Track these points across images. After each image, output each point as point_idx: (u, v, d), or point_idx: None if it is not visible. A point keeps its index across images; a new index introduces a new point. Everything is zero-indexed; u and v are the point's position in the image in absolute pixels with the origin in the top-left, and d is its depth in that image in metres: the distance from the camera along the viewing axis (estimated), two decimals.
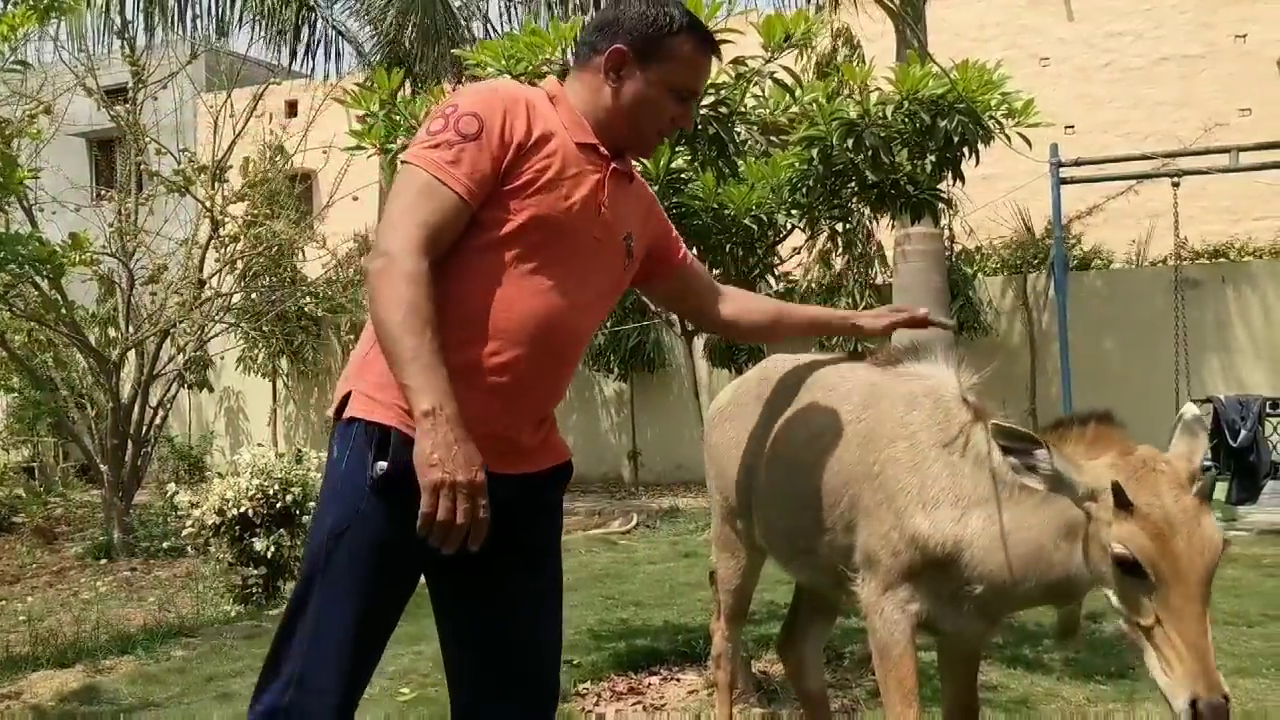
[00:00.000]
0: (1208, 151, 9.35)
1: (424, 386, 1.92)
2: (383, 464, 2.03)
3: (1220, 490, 8.47)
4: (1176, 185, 8.97)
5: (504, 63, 3.84)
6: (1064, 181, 9.04)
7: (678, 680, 4.70)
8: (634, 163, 2.41)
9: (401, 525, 1.96)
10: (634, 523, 9.95)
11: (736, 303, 2.68)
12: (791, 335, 2.70)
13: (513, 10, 11.01)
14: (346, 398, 2.14)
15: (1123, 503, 2.18)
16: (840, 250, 11.82)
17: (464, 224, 2.08)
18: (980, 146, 4.25)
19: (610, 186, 2.21)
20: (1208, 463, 8.57)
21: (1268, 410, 8.46)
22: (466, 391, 2.01)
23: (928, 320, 2.84)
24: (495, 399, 2.10)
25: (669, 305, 2.70)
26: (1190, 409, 2.43)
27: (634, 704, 4.44)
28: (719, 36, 3.79)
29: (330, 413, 2.17)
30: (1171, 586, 2.13)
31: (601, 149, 2.21)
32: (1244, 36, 13.34)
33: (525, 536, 2.24)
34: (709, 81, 3.88)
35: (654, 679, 4.75)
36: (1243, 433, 8.18)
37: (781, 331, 2.72)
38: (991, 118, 4.14)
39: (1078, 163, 9.27)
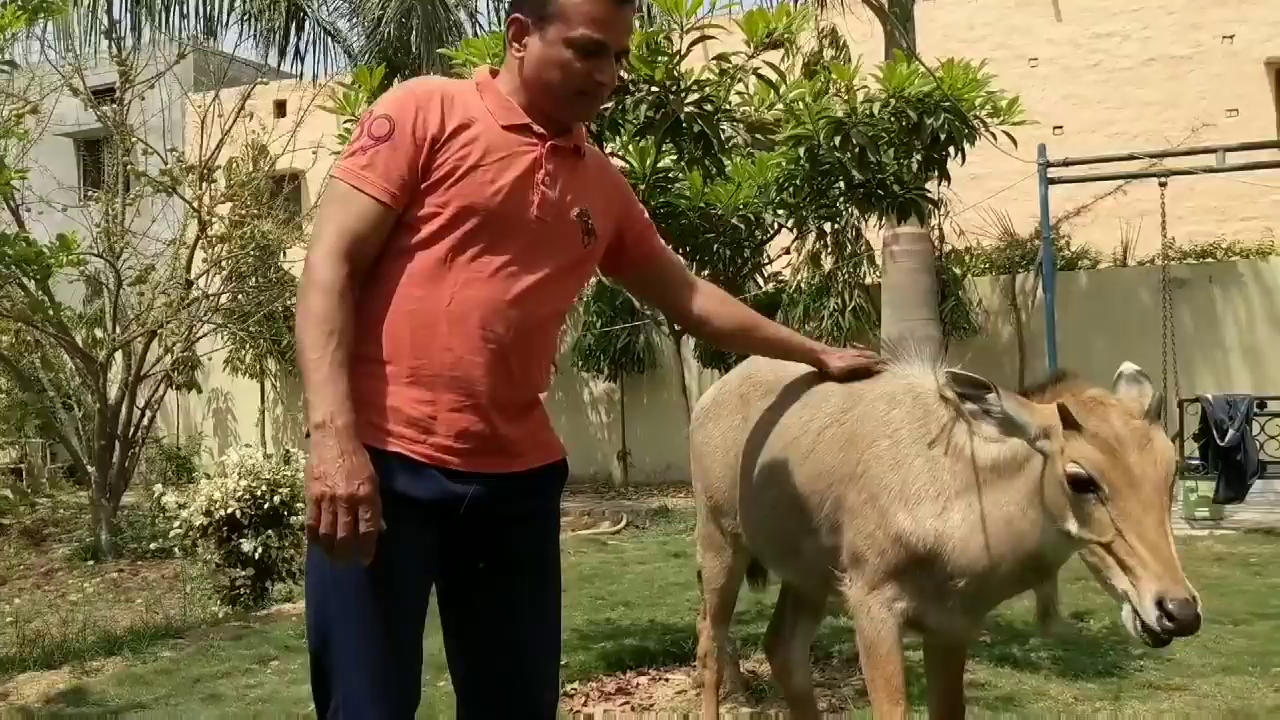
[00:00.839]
0: (1195, 152, 9.38)
1: (318, 399, 1.93)
2: None
3: (1207, 489, 8.51)
4: (1164, 186, 9.00)
5: (490, 61, 3.83)
6: (1052, 182, 9.06)
7: (666, 680, 4.70)
8: (614, 149, 2.39)
9: (387, 538, 1.95)
10: (623, 523, 9.95)
11: (710, 303, 2.59)
12: (757, 351, 2.66)
13: (500, 6, 10.98)
14: None
15: (1071, 424, 2.22)
16: (829, 250, 11.84)
17: (387, 226, 2.07)
18: (967, 146, 4.26)
19: (551, 163, 2.15)
20: (1194, 461, 8.61)
21: (1255, 410, 8.49)
22: (420, 390, 2.04)
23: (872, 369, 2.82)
24: (452, 393, 2.07)
25: (642, 295, 2.64)
26: (1128, 366, 2.48)
27: (622, 704, 4.44)
28: (702, 33, 3.82)
29: (306, 434, 2.14)
30: (1127, 496, 2.16)
31: (535, 127, 2.15)
32: (1231, 38, 13.38)
33: (516, 544, 2.21)
34: (695, 78, 3.89)
35: (642, 679, 4.75)
36: (1230, 432, 8.21)
37: (749, 343, 2.68)
38: (977, 117, 4.15)
39: (1065, 163, 9.30)
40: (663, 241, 2.57)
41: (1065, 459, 2.23)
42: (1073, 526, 2.26)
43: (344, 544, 1.90)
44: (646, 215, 2.53)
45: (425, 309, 2.05)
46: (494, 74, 2.23)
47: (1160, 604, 2.07)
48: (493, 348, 2.08)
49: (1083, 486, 2.21)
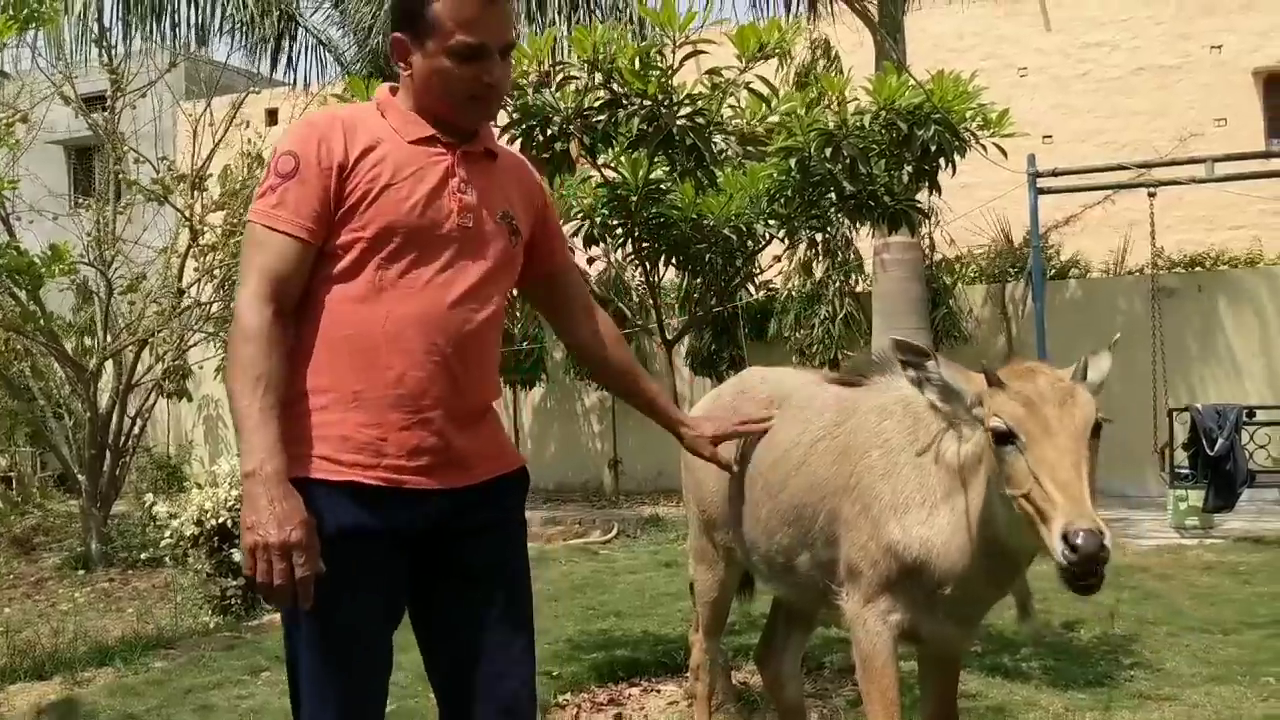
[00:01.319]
0: (1183, 162, 9.43)
1: (248, 447, 1.96)
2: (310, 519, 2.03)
3: (1197, 498, 8.53)
4: (1153, 195, 9.04)
5: None
6: (1042, 191, 9.11)
7: (658, 691, 4.71)
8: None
9: (344, 566, 2.01)
10: (614, 532, 9.95)
11: (604, 338, 2.55)
12: (628, 399, 2.65)
13: None
14: None
15: (995, 382, 2.32)
16: (820, 258, 11.86)
17: (308, 261, 2.08)
18: (957, 157, 4.28)
19: (464, 170, 2.17)
20: (1183, 470, 8.63)
21: (1244, 419, 8.53)
22: (367, 414, 2.06)
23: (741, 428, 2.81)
24: (399, 412, 2.08)
25: (540, 310, 2.62)
26: (1115, 340, 2.70)
27: (614, 715, 4.44)
28: (695, 48, 3.83)
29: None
30: (1042, 443, 2.22)
31: (442, 137, 2.17)
32: (1219, 48, 13.45)
33: (480, 555, 2.21)
34: (687, 92, 3.90)
35: (634, 690, 4.75)
36: (1220, 441, 8.23)
37: (624, 390, 2.64)
38: (967, 129, 4.17)
39: (1055, 173, 9.35)
40: (573, 260, 2.55)
41: (988, 417, 2.33)
42: (1005, 487, 2.31)
43: (280, 590, 1.93)
44: (561, 229, 2.52)
45: (362, 332, 2.07)
46: (394, 91, 2.24)
47: (1065, 538, 2.10)
48: (435, 360, 2.09)
49: (1003, 439, 2.28)
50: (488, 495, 2.21)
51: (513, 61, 2.25)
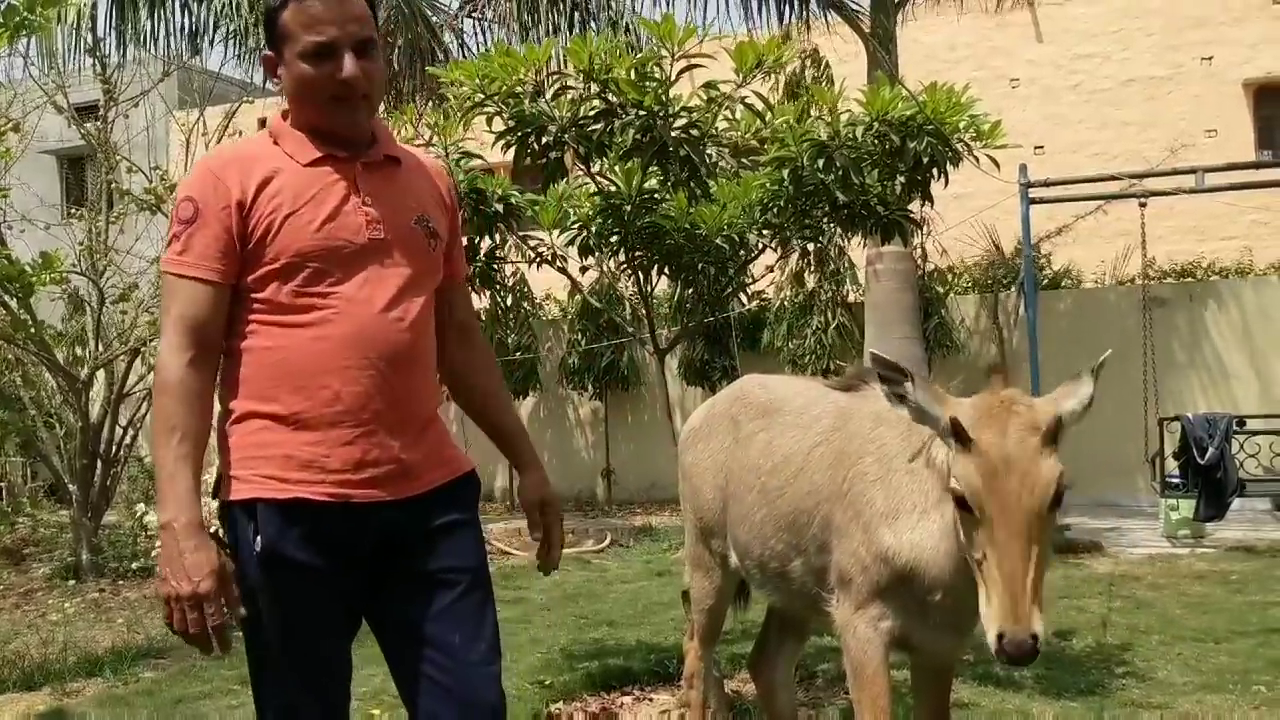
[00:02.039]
0: (1174, 172, 9.46)
1: (162, 499, 2.01)
2: (260, 538, 2.07)
3: (1188, 507, 8.55)
4: (1143, 205, 9.07)
5: (477, 82, 3.86)
6: (1033, 201, 9.13)
7: (650, 700, 4.70)
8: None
9: (298, 585, 2.07)
10: (607, 541, 9.93)
11: (473, 363, 2.46)
12: (479, 425, 2.50)
13: (488, 30, 11.02)
14: (221, 480, 2.18)
15: (961, 438, 2.25)
16: (813, 269, 11.88)
17: (222, 300, 2.11)
18: (949, 167, 4.30)
19: (367, 181, 2.18)
20: (1174, 479, 8.66)
21: (1235, 428, 8.56)
22: (309, 433, 2.08)
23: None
24: (339, 428, 2.10)
25: None
26: (1101, 359, 2.53)
27: None
28: (692, 62, 3.85)
29: (211, 495, 2.21)
30: (996, 523, 2.19)
31: (337, 154, 2.18)
32: (1210, 59, 13.52)
33: (428, 562, 2.20)
34: (683, 104, 3.92)
35: (626, 699, 4.75)
36: (1210, 450, 8.27)
37: (479, 417, 2.50)
38: (960, 140, 4.19)
39: (1046, 183, 9.37)
40: (465, 282, 2.50)
41: (953, 471, 2.29)
42: (961, 536, 2.32)
43: (196, 639, 2.00)
44: (462, 246, 2.48)
45: (294, 356, 2.09)
46: (286, 116, 2.24)
47: (1000, 638, 2.16)
48: (369, 374, 2.10)
49: (962, 504, 2.27)
50: (438, 502, 2.22)
51: (380, 57, 2.20)
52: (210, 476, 2.32)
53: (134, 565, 8.63)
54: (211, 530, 2.12)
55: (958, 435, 2.25)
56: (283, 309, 2.11)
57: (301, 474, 2.08)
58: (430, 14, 11.17)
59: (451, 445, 2.31)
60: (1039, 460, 2.20)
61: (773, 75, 4.46)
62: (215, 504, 2.21)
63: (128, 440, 9.73)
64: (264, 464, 2.09)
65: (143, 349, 9.54)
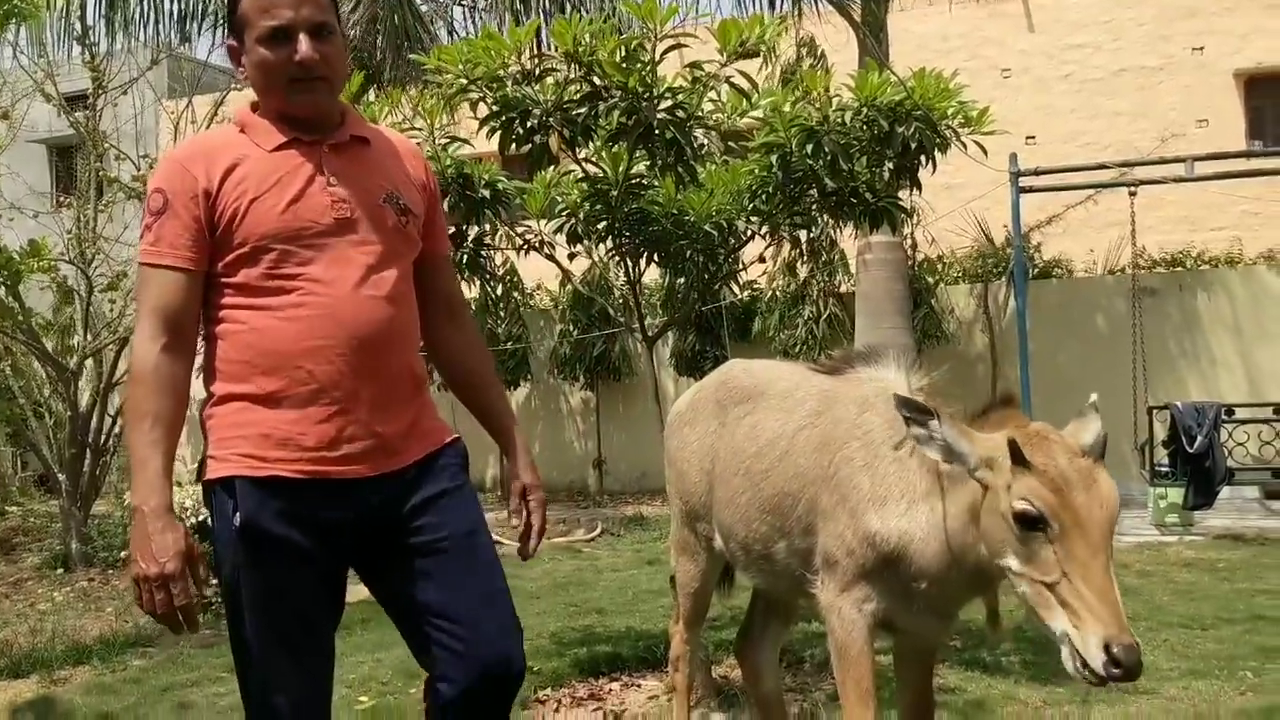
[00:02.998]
0: (1165, 161, 9.48)
1: (135, 483, 2.08)
2: (239, 514, 2.11)
3: (1177, 495, 8.58)
4: (1134, 195, 9.08)
5: (462, 67, 3.84)
6: (1024, 190, 9.14)
7: (638, 686, 4.71)
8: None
9: (278, 560, 2.11)
10: (598, 531, 9.94)
11: (456, 341, 2.47)
12: (468, 407, 2.49)
13: (475, 16, 10.98)
14: (203, 462, 2.23)
15: (1020, 460, 2.23)
16: (805, 258, 11.89)
17: (195, 286, 2.16)
18: (940, 155, 4.29)
19: (334, 162, 2.22)
20: (1163, 467, 8.68)
21: (1223, 417, 8.58)
22: (285, 411, 2.12)
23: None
24: (315, 406, 2.13)
25: None
26: (1092, 400, 2.51)
27: (594, 710, 4.44)
28: (676, 41, 3.83)
29: (195, 479, 2.27)
30: (1074, 538, 2.17)
31: (303, 138, 2.22)
32: (1201, 49, 13.52)
33: (426, 533, 2.22)
34: (668, 86, 3.90)
35: (615, 684, 4.76)
36: (1199, 439, 8.28)
37: (463, 397, 2.49)
38: (948, 126, 4.18)
39: (1037, 172, 9.38)
40: (448, 255, 2.52)
41: (1013, 495, 2.23)
42: (1014, 563, 2.27)
43: (165, 618, 2.04)
44: (443, 219, 2.50)
45: (267, 337, 2.13)
46: (255, 107, 2.30)
47: (1108, 649, 2.09)
48: (341, 352, 2.13)
49: (1031, 524, 2.22)
50: (422, 475, 2.24)
51: (338, 40, 2.25)
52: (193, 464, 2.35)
53: (123, 554, 8.59)
54: (190, 517, 2.14)
55: (1015, 456, 2.23)
56: (254, 292, 2.14)
57: (279, 452, 2.12)
58: (419, 1, 11.12)
59: (433, 418, 2.32)
60: (1100, 475, 2.23)
61: (766, 61, 4.45)
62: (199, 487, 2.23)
63: (117, 429, 9.70)
64: (242, 443, 2.13)
65: (131, 338, 9.51)
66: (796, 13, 9.62)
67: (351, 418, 2.15)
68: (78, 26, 10.62)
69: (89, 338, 9.53)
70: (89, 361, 9.59)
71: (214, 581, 2.17)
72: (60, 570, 8.65)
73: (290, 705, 2.15)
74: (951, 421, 2.39)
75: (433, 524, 2.24)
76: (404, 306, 2.26)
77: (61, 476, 9.14)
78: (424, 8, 11.74)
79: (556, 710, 4.46)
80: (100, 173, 9.99)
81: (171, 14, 10.51)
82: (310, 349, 2.12)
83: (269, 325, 2.13)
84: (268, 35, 2.16)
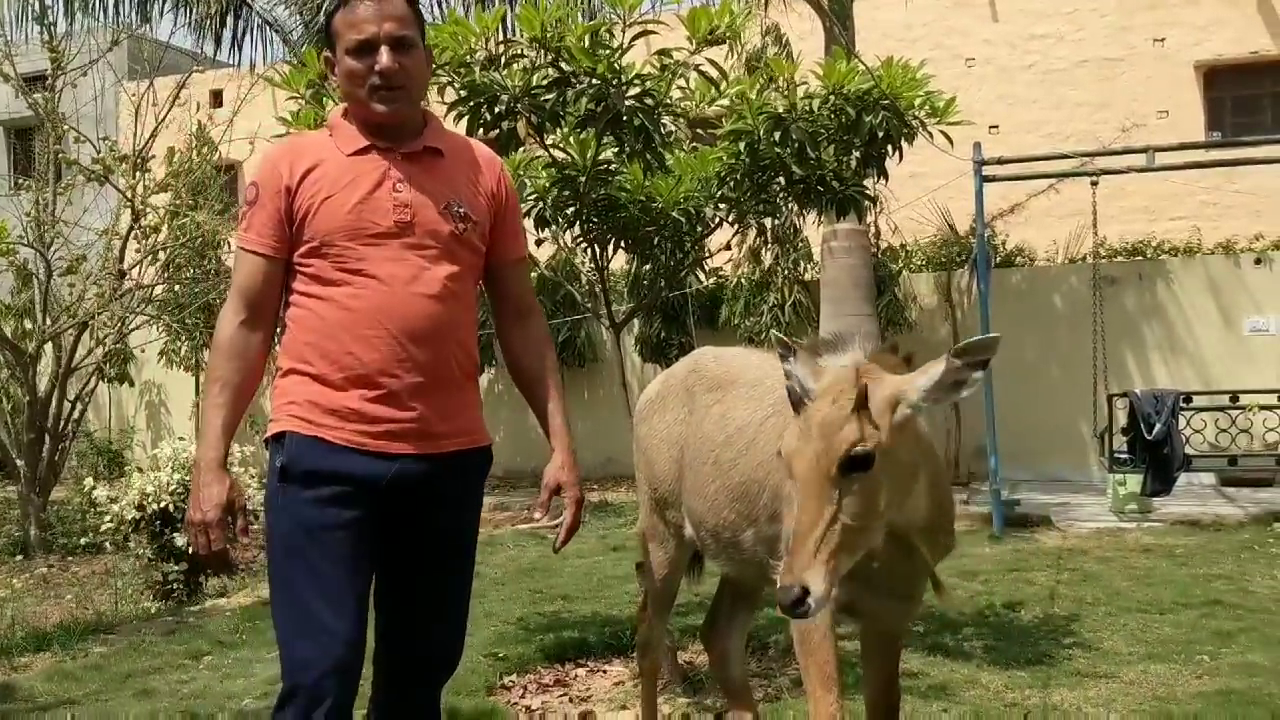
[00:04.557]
0: (1126, 151, 9.55)
1: (198, 441, 2.39)
2: (281, 459, 2.37)
3: (1135, 482, 8.69)
4: (1095, 185, 9.15)
5: (452, 47, 3.81)
6: (987, 179, 9.18)
7: (604, 672, 4.72)
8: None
9: (316, 504, 2.32)
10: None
11: (522, 343, 2.66)
12: (529, 402, 2.70)
13: (444, 5, 10.90)
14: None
15: (796, 407, 2.32)
16: (770, 245, 11.91)
17: (276, 271, 2.42)
18: (905, 145, 4.32)
19: (405, 169, 2.43)
20: (1122, 454, 8.78)
21: (1181, 405, 8.68)
22: (335, 390, 2.35)
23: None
24: (362, 389, 2.34)
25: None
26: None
27: (560, 696, 4.45)
28: (644, 28, 3.83)
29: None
30: (796, 484, 2.24)
31: (379, 144, 2.43)
32: (1162, 40, 13.65)
33: (439, 523, 2.47)
34: (636, 73, 3.90)
35: (581, 670, 4.77)
36: (1157, 426, 8.38)
37: (525, 394, 2.70)
38: (915, 115, 4.21)
39: (1000, 161, 9.43)
40: (523, 261, 2.67)
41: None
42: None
43: (205, 560, 2.34)
44: (518, 227, 2.66)
45: (325, 324, 2.37)
46: (346, 113, 2.51)
47: (777, 583, 2.17)
48: (388, 342, 2.35)
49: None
50: (452, 469, 2.44)
51: (419, 54, 2.46)
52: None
53: (83, 541, 8.53)
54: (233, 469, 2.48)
55: (794, 404, 2.32)
56: (320, 282, 2.38)
57: (325, 418, 2.35)
58: None
59: (478, 418, 2.55)
60: (830, 425, 2.20)
61: (732, 49, 4.45)
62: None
63: (76, 415, 9.61)
64: (295, 407, 2.38)
65: (91, 322, 9.40)
66: (764, 2, 9.62)
67: (393, 403, 2.36)
68: (36, 6, 10.46)
69: (47, 322, 9.41)
70: (48, 346, 9.47)
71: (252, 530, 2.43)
72: (19, 557, 8.56)
73: (316, 650, 2.27)
74: (806, 359, 2.42)
75: (451, 519, 2.49)
76: (453, 304, 2.44)
77: (19, 462, 9.03)
78: None
79: (523, 695, 4.47)
80: (59, 155, 9.85)
81: None
82: (359, 337, 2.34)
83: (327, 313, 2.36)
84: (354, 47, 2.39)
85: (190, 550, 2.33)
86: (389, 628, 2.51)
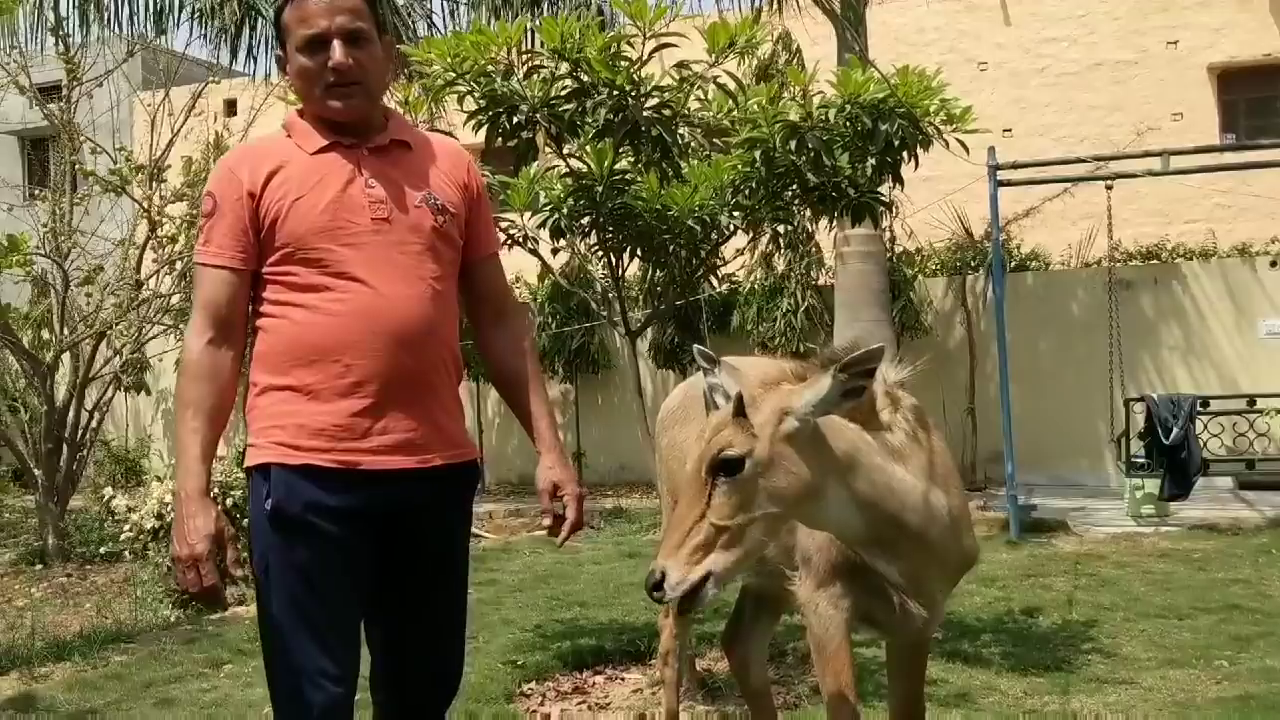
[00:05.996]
0: (1140, 155, 9.54)
1: (176, 470, 2.22)
2: (270, 499, 2.23)
3: (1153, 486, 8.66)
4: (1109, 188, 9.14)
5: (450, 61, 3.84)
6: (1001, 184, 9.18)
7: (622, 679, 4.73)
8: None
9: (308, 544, 2.21)
10: None
11: (502, 342, 2.53)
12: (510, 407, 2.60)
13: (457, 12, 10.94)
14: (245, 450, 2.35)
15: (709, 408, 2.46)
16: (782, 251, 11.91)
17: (243, 284, 2.28)
18: (919, 150, 4.32)
19: (373, 164, 2.31)
20: (1139, 459, 8.76)
21: (1198, 409, 8.66)
22: (321, 404, 2.23)
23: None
24: (350, 399, 2.23)
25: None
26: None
27: (579, 703, 4.46)
28: (663, 41, 3.85)
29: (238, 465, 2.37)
30: (681, 478, 2.32)
31: (343, 141, 2.31)
32: (1175, 43, 13.63)
33: (422, 540, 2.36)
34: (655, 83, 3.92)
35: (599, 678, 4.78)
36: (1175, 430, 8.36)
37: (506, 397, 2.58)
38: (930, 123, 4.21)
39: (1014, 165, 9.43)
40: (496, 256, 2.58)
41: None
42: None
43: (196, 596, 2.18)
44: (490, 221, 2.57)
45: (307, 333, 2.24)
46: (302, 113, 2.39)
47: (651, 573, 2.24)
48: (377, 348, 2.23)
49: None
50: (441, 483, 2.34)
51: (375, 48, 2.33)
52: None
53: (101, 550, 8.57)
54: (214, 495, 2.26)
55: (706, 410, 2.40)
56: (296, 289, 2.25)
57: (313, 441, 2.22)
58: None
59: (462, 429, 2.44)
60: (712, 427, 2.32)
61: (745, 57, 4.47)
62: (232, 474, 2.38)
63: (93, 424, 9.65)
64: (279, 432, 2.24)
65: (108, 332, 9.45)
66: (777, 8, 9.63)
67: (385, 411, 2.25)
68: (51, 17, 10.53)
69: (65, 332, 9.46)
70: (65, 356, 9.52)
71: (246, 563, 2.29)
72: (38, 566, 8.59)
73: (314, 690, 2.20)
74: (730, 369, 2.49)
75: (441, 534, 2.39)
76: (440, 305, 2.33)
77: (37, 471, 9.06)
78: (401, 1, 11.70)
79: (541, 703, 4.48)
80: (75, 165, 9.90)
81: (147, 6, 10.41)
82: (347, 344, 2.22)
83: (309, 321, 2.23)
84: (305, 43, 2.28)
85: (179, 588, 2.25)
86: (387, 654, 2.39)
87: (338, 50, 2.26)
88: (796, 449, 2.31)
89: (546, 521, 2.50)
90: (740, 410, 2.27)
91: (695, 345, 2.61)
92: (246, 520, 2.31)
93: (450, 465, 2.35)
